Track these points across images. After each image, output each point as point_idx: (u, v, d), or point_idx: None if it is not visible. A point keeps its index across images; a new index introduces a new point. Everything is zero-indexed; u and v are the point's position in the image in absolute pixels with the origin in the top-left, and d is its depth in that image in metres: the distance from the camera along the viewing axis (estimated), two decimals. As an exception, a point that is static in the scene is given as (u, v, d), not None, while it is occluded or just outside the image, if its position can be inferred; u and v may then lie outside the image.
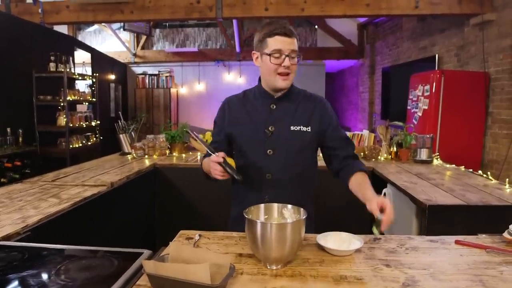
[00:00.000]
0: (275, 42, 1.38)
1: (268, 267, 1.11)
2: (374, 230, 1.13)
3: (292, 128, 1.47)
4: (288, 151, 1.47)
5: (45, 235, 1.54)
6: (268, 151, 1.46)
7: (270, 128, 1.47)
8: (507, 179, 2.37)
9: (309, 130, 1.48)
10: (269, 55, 1.39)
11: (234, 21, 7.45)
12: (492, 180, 2.44)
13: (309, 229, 1.34)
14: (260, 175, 1.47)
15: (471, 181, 2.43)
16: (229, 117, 1.54)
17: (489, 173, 2.60)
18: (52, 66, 4.77)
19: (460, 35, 4.79)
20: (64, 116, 4.79)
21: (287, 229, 1.07)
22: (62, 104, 4.79)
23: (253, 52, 1.48)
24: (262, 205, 1.24)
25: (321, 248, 1.23)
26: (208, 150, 1.40)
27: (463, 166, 2.88)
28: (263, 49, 1.42)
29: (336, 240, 1.24)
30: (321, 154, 1.61)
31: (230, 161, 1.38)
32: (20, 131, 4.28)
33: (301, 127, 1.47)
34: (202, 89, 8.96)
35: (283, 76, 1.41)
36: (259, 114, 1.50)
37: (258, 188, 1.48)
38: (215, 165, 1.33)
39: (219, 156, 1.32)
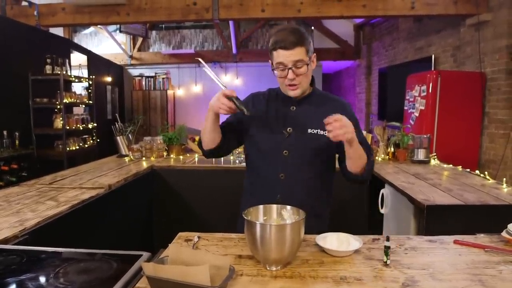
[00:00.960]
0: (278, 56, 1.41)
1: (268, 269, 1.11)
2: (384, 257, 1.14)
3: (309, 131, 1.48)
4: (303, 153, 1.47)
5: (43, 238, 1.53)
6: (284, 152, 1.47)
7: (288, 130, 1.48)
8: (504, 179, 2.38)
9: (326, 134, 1.45)
10: (275, 69, 1.44)
11: (231, 23, 7.46)
12: (489, 180, 2.45)
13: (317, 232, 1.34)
14: (274, 174, 1.48)
15: (468, 181, 2.44)
16: (252, 111, 1.52)
17: (486, 173, 2.61)
18: (48, 68, 4.75)
19: (456, 36, 4.81)
20: (61, 118, 4.77)
21: (287, 230, 1.07)
22: (58, 106, 4.77)
23: (269, 60, 1.51)
24: (261, 206, 1.24)
25: (321, 249, 1.23)
26: (219, 83, 1.40)
27: (460, 166, 2.89)
28: (271, 59, 1.46)
29: (335, 241, 1.24)
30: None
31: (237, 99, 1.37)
32: (17, 133, 4.26)
33: (319, 130, 1.47)
34: (199, 91, 8.96)
35: (291, 87, 1.44)
36: (279, 115, 1.52)
37: (271, 186, 1.49)
38: (224, 99, 1.33)
39: (232, 91, 1.31)
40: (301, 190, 1.47)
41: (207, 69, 1.43)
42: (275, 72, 1.44)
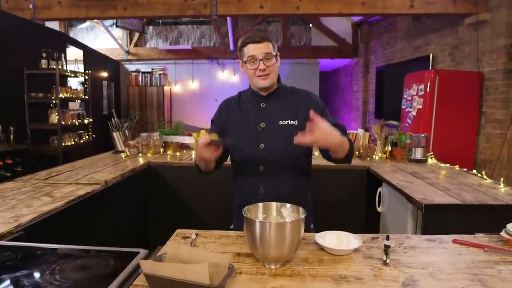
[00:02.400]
0: (248, 50, 1.53)
1: (267, 267, 1.10)
2: (384, 256, 1.13)
3: (280, 123, 1.57)
4: (278, 144, 1.56)
5: (39, 234, 1.51)
6: (260, 146, 1.56)
7: (261, 125, 1.58)
8: (501, 179, 2.39)
9: (297, 124, 1.57)
10: (246, 62, 1.55)
11: (228, 19, 7.42)
12: (486, 180, 2.45)
13: (308, 222, 1.37)
14: (253, 168, 1.58)
15: (465, 180, 2.44)
16: (226, 116, 1.67)
17: (483, 172, 2.61)
18: (43, 63, 4.70)
19: (454, 35, 4.81)
20: (56, 113, 4.73)
21: (286, 228, 1.06)
22: (54, 101, 4.72)
23: (238, 61, 1.63)
24: (260, 204, 1.23)
25: (320, 248, 1.23)
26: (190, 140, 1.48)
27: (458, 166, 2.89)
28: (242, 58, 1.58)
29: (335, 239, 1.23)
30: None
31: (214, 136, 1.43)
32: (12, 128, 4.21)
33: (289, 121, 1.57)
34: (195, 87, 8.92)
35: (262, 77, 1.54)
36: (251, 113, 1.62)
37: (252, 179, 1.59)
38: (204, 149, 1.39)
39: (205, 138, 1.38)
40: (282, 179, 1.56)
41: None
42: (247, 65, 1.54)
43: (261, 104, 1.61)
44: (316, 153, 1.90)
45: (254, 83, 1.59)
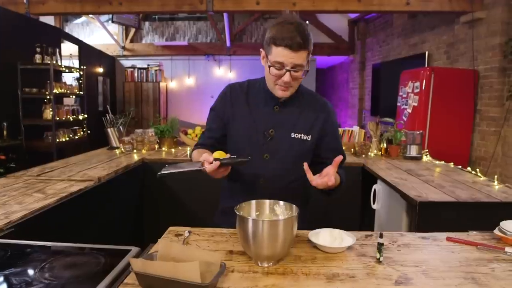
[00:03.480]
0: (278, 54, 1.27)
1: (260, 265, 1.09)
2: (377, 253, 1.13)
3: (292, 135, 1.41)
4: (285, 158, 1.40)
5: (29, 232, 1.49)
6: (264, 155, 1.40)
7: (270, 132, 1.40)
8: (495, 176, 2.39)
9: (309, 139, 1.41)
10: (271, 65, 1.31)
11: (225, 15, 7.39)
12: (480, 177, 2.45)
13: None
14: (253, 178, 1.42)
15: (460, 177, 2.44)
16: (230, 108, 1.45)
17: (477, 170, 2.62)
18: (38, 58, 4.66)
19: (450, 33, 4.82)
20: (51, 109, 4.69)
21: (279, 226, 1.05)
22: (48, 97, 4.69)
23: (261, 49, 1.37)
24: (253, 202, 1.22)
25: (313, 245, 1.22)
26: (195, 168, 1.26)
27: (452, 163, 2.90)
28: (268, 53, 1.32)
29: (328, 237, 1.22)
30: None
31: (220, 154, 1.27)
32: (5, 124, 4.18)
33: (302, 135, 1.41)
34: (191, 84, 8.88)
35: (282, 87, 1.34)
36: (261, 114, 1.41)
37: (249, 190, 1.41)
38: (215, 171, 1.22)
39: (211, 163, 1.20)
40: (281, 194, 1.34)
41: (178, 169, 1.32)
42: (270, 69, 1.31)
43: (275, 108, 1.41)
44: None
45: (271, 89, 1.38)
